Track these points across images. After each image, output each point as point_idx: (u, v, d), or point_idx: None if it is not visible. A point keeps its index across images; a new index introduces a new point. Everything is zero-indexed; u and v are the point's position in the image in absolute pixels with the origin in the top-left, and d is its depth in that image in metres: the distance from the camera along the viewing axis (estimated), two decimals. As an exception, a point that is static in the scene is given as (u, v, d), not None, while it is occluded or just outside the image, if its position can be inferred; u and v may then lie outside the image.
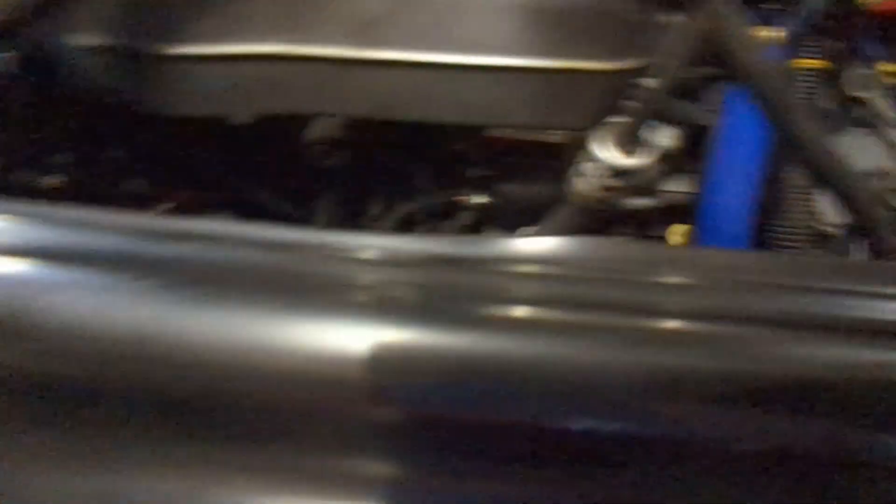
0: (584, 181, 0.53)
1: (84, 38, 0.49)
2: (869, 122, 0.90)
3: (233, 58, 0.51)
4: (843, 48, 0.84)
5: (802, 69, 0.83)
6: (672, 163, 0.93)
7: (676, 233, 0.97)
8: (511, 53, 0.51)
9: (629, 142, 0.49)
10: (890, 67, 0.82)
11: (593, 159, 0.51)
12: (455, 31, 0.50)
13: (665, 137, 0.85)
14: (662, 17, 0.44)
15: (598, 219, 0.59)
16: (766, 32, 0.56)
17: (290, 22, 0.49)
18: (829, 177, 0.54)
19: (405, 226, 1.07)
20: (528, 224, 0.97)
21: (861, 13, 0.79)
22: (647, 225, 1.00)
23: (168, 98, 0.55)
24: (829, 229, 0.89)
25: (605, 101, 0.57)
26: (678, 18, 0.42)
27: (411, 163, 1.01)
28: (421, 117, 0.58)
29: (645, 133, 0.49)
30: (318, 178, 1.07)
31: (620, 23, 0.47)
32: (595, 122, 0.65)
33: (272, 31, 0.49)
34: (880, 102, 0.88)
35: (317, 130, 1.00)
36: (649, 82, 0.45)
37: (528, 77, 0.52)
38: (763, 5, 0.78)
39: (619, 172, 0.51)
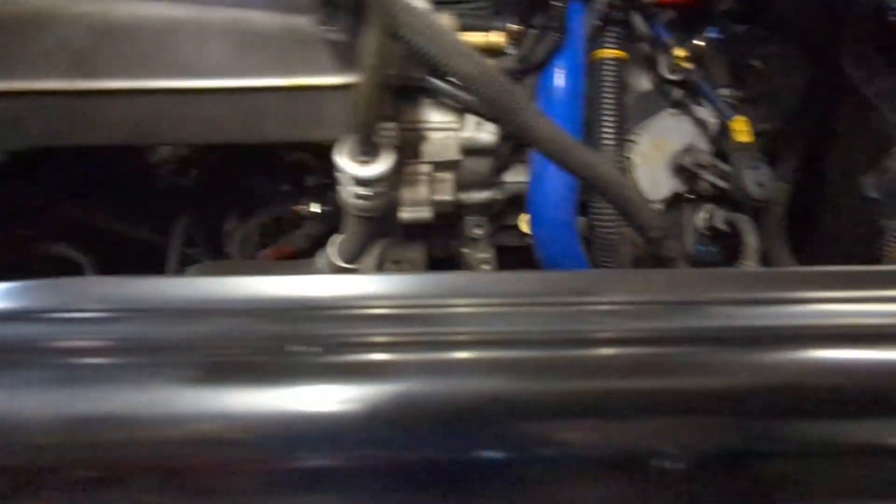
0: (341, 191, 0.54)
1: None
2: (682, 103, 0.95)
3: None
4: (641, 37, 0.88)
5: (604, 59, 0.87)
6: (504, 155, 0.97)
7: (523, 220, 1.01)
8: (226, 75, 0.51)
9: (363, 152, 0.50)
10: (681, 52, 0.87)
11: (339, 170, 0.52)
12: (172, 57, 0.50)
13: (487, 133, 0.88)
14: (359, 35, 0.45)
15: (381, 224, 0.60)
16: (483, 37, 0.58)
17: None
18: (589, 179, 0.56)
19: (259, 237, 1.08)
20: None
21: (649, 4, 0.83)
22: (498, 216, 1.04)
23: None
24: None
25: (338, 114, 0.58)
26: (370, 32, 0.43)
27: (255, 177, 1.01)
28: (162, 140, 0.58)
29: (378, 140, 0.51)
30: (170, 199, 1.06)
31: (323, 42, 0.48)
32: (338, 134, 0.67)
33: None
34: (688, 84, 0.93)
35: (161, 152, 0.99)
36: (362, 92, 0.46)
37: (255, 95, 0.53)
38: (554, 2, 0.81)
39: (361, 182, 0.53)
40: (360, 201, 0.55)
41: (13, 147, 0.59)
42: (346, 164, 0.52)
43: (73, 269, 1.01)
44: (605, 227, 0.87)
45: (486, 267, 1.10)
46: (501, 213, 1.05)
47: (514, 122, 0.52)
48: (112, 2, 0.47)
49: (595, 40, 0.88)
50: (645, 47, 0.91)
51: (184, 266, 1.09)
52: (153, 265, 1.09)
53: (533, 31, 0.83)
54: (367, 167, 0.52)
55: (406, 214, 0.84)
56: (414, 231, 0.91)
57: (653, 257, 0.69)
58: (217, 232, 1.09)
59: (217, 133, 0.59)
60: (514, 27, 0.85)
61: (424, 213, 0.75)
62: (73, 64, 0.49)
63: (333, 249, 0.70)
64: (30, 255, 0.97)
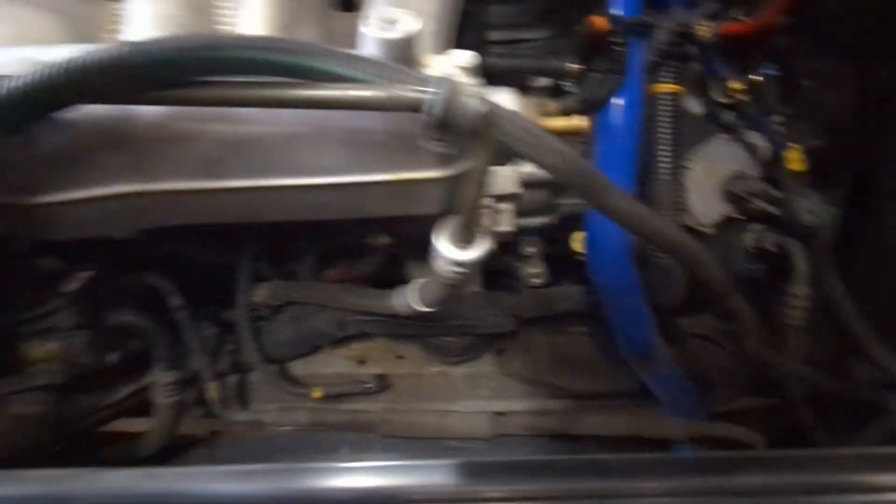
0: (436, 265, 0.60)
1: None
2: (733, 128, 0.97)
3: (95, 199, 0.55)
4: (695, 71, 0.90)
5: (661, 93, 0.90)
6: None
7: (577, 240, 1.06)
8: (338, 174, 0.56)
9: (462, 238, 0.56)
10: (737, 85, 0.89)
11: (437, 251, 0.57)
12: (290, 161, 0.55)
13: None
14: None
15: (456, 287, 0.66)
16: (566, 122, 0.62)
17: (135, 167, 0.54)
18: (664, 245, 0.60)
19: (322, 264, 1.14)
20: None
21: (707, 39, 0.85)
22: (551, 237, 1.09)
23: (48, 231, 0.60)
24: (701, 227, 0.98)
25: (433, 197, 0.63)
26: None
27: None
28: (272, 219, 0.64)
29: (479, 227, 0.55)
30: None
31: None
32: (444, 208, 0.71)
33: (119, 175, 0.54)
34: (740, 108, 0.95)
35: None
36: (469, 185, 0.51)
37: (365, 188, 0.58)
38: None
39: (458, 263, 0.58)
40: (453, 276, 0.61)
41: (145, 227, 0.65)
42: (445, 247, 0.57)
43: (158, 296, 1.10)
44: (661, 258, 0.92)
45: (537, 281, 1.16)
46: (555, 230, 1.09)
47: (599, 202, 0.56)
48: (241, 123, 0.52)
49: (652, 74, 0.90)
50: (699, 75, 0.93)
51: (254, 284, 1.17)
52: (226, 286, 1.17)
53: (595, 75, 0.86)
54: (464, 252, 0.57)
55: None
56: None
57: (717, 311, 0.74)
58: (286, 253, 1.16)
59: (323, 213, 0.65)
60: (574, 67, 0.88)
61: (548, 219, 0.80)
62: (204, 169, 0.55)
63: (415, 294, 0.76)
64: (121, 287, 1.06)
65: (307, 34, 0.59)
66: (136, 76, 0.41)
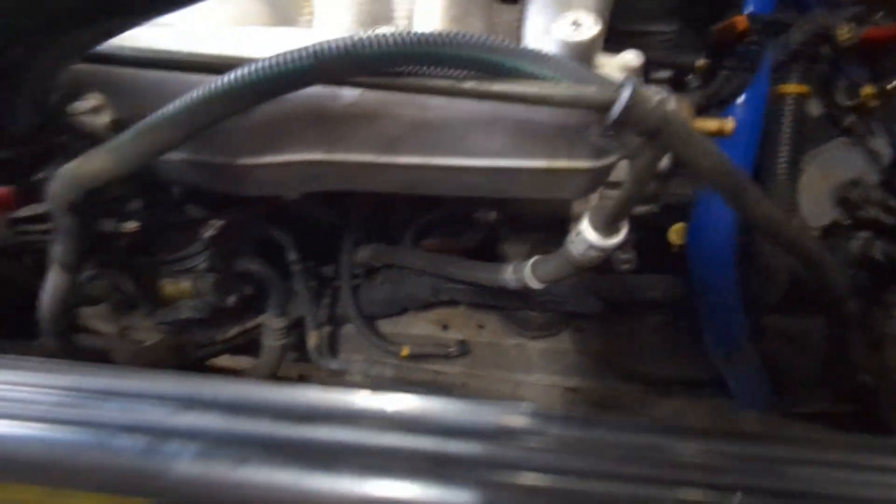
0: (574, 247, 0.65)
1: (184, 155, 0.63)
2: (854, 131, 0.96)
3: (284, 164, 0.63)
4: (824, 73, 0.90)
5: (787, 94, 0.90)
6: (666, 176, 1.03)
7: (675, 231, 1.09)
8: (501, 157, 0.62)
9: (610, 225, 0.60)
10: (870, 90, 0.88)
11: (581, 233, 0.62)
12: (461, 143, 0.61)
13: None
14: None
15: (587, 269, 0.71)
16: (717, 123, 0.64)
17: (326, 139, 0.61)
18: (793, 250, 0.63)
19: (425, 234, 1.21)
20: (529, 243, 1.09)
21: (840, 43, 0.84)
22: (647, 226, 1.11)
23: (239, 187, 0.69)
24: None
25: (580, 185, 0.68)
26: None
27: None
28: (420, 192, 0.70)
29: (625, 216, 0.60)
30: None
31: (583, 133, 0.56)
32: (583, 195, 0.76)
33: (311, 145, 0.62)
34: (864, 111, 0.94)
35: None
36: (628, 189, 0.55)
37: (519, 172, 0.64)
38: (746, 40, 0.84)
39: (596, 248, 0.63)
40: (586, 257, 0.66)
41: (311, 190, 0.73)
42: (590, 233, 0.62)
43: (278, 248, 1.20)
44: (768, 257, 0.93)
45: (627, 267, 1.20)
46: (648, 222, 1.12)
47: (742, 205, 0.59)
48: (426, 108, 0.58)
49: (778, 74, 0.90)
50: (824, 77, 0.92)
51: (357, 247, 1.26)
52: (334, 243, 1.26)
53: (723, 72, 0.87)
54: (607, 238, 0.62)
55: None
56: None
57: (835, 316, 0.76)
58: (390, 220, 1.23)
59: (474, 191, 0.71)
60: (703, 63, 0.89)
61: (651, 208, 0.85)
62: (384, 145, 0.61)
63: (529, 270, 0.82)
64: (242, 233, 1.16)
65: (475, 26, 0.64)
66: (366, 64, 0.47)
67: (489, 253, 1.17)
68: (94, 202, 0.58)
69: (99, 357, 1.06)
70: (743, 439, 0.46)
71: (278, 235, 1.15)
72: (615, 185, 0.96)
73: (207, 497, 0.34)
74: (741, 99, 0.92)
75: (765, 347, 1.14)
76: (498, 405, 0.46)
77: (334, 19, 0.62)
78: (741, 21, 0.79)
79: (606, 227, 0.61)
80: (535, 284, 0.84)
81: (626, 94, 0.49)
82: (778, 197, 0.92)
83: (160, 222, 0.97)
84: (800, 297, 1.04)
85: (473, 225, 1.05)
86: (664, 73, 0.96)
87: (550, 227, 1.03)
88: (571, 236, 0.66)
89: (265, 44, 0.57)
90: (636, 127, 0.50)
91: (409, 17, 0.64)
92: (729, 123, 0.62)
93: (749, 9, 0.84)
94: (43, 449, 0.36)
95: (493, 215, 1.00)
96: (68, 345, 0.81)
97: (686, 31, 0.99)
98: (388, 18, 0.65)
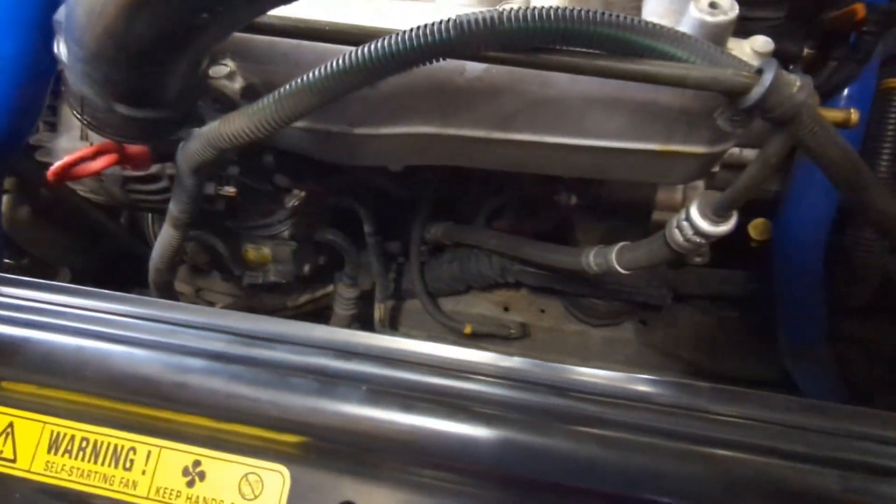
0: (677, 233, 0.65)
1: (304, 123, 0.65)
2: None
3: (398, 136, 0.65)
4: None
5: (894, 89, 0.87)
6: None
7: (755, 226, 1.06)
8: (617, 139, 0.62)
9: (721, 213, 0.60)
10: None
11: (689, 219, 0.62)
12: (579, 122, 0.61)
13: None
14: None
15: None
16: (843, 114, 0.62)
17: (442, 113, 0.62)
18: None
19: (497, 215, 1.22)
20: (602, 230, 1.09)
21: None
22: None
23: (351, 157, 0.71)
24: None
25: (687, 170, 0.67)
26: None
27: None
28: (524, 170, 0.71)
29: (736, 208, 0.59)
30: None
31: (707, 121, 0.55)
32: (687, 181, 0.75)
33: (427, 118, 0.63)
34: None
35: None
36: (750, 177, 0.54)
37: (631, 154, 0.64)
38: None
39: (703, 234, 0.63)
40: (688, 244, 0.66)
41: (416, 164, 0.75)
42: (699, 220, 0.61)
43: (351, 218, 1.23)
44: (863, 257, 0.91)
45: (699, 260, 1.18)
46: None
47: (863, 199, 0.58)
48: (547, 85, 0.58)
49: (889, 68, 0.86)
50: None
51: (429, 223, 1.28)
52: (405, 218, 1.28)
53: (831, 63, 0.84)
54: (716, 226, 0.61)
55: (657, 217, 0.93)
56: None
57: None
58: (462, 198, 1.25)
59: (577, 171, 0.71)
60: (809, 53, 0.86)
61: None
62: (498, 121, 0.62)
63: (615, 256, 0.82)
64: (321, 205, 1.20)
65: (594, 4, 0.64)
66: (505, 39, 0.48)
67: (557, 237, 1.17)
68: (220, 164, 0.61)
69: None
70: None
71: (357, 208, 1.19)
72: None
73: (371, 437, 0.37)
74: (846, 92, 0.88)
75: (839, 351, 1.12)
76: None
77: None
78: (861, 8, 0.76)
79: (717, 214, 0.61)
80: (620, 270, 0.84)
81: (768, 79, 0.48)
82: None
83: (251, 189, 1.01)
84: (886, 302, 1.01)
85: (548, 208, 1.05)
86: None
87: (628, 215, 1.02)
88: (675, 222, 0.66)
89: (399, 16, 0.58)
90: (772, 113, 0.50)
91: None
92: (854, 114, 0.61)
93: (867, -3, 0.81)
94: (225, 383, 0.39)
95: (573, 199, 1.00)
96: (171, 298, 0.86)
97: (792, 19, 0.95)
98: (506, -4, 0.65)
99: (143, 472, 0.40)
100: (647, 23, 0.50)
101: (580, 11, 0.48)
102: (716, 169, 0.95)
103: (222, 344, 0.42)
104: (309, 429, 0.38)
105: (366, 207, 1.21)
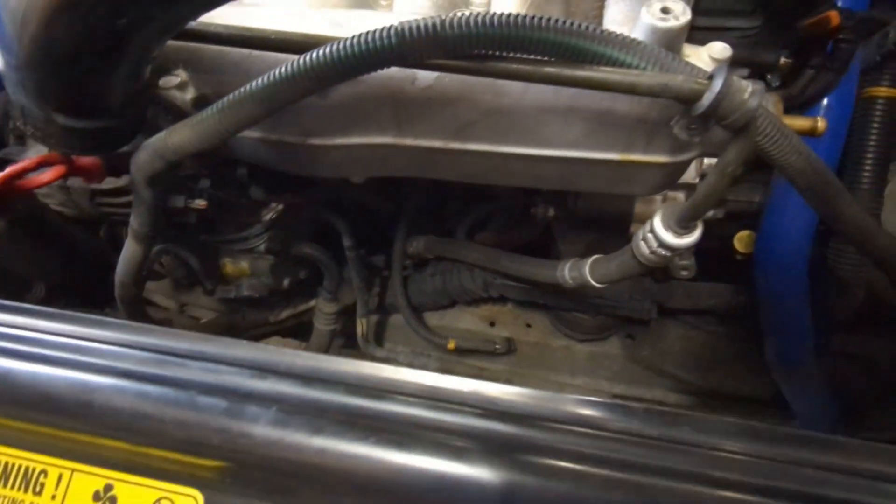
0: (643, 245, 0.63)
1: (258, 133, 0.64)
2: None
3: (354, 146, 0.64)
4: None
5: (877, 97, 0.85)
6: (738, 178, 0.99)
7: (741, 238, 1.04)
8: (575, 148, 0.60)
9: (684, 225, 0.58)
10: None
11: (653, 231, 0.60)
12: (535, 132, 0.60)
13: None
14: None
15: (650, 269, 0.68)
16: (808, 122, 0.61)
17: (397, 123, 0.61)
18: (883, 262, 0.59)
19: (478, 228, 1.20)
20: (584, 242, 1.07)
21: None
22: (710, 233, 1.07)
23: (308, 168, 0.70)
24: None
25: (649, 181, 0.65)
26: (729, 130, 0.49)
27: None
28: (485, 182, 0.70)
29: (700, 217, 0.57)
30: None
31: (663, 126, 0.53)
32: (653, 192, 0.73)
33: (382, 128, 0.62)
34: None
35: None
36: (711, 186, 0.52)
37: (592, 164, 0.62)
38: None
39: (668, 247, 0.60)
40: (654, 256, 0.64)
41: (377, 175, 0.74)
42: (663, 232, 0.59)
43: (332, 232, 1.22)
44: (845, 270, 0.88)
45: (686, 274, 1.15)
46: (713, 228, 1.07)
47: (833, 211, 0.56)
48: (502, 94, 0.57)
49: (869, 76, 0.85)
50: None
51: (411, 236, 1.26)
52: (387, 232, 1.27)
53: (808, 71, 0.82)
54: (680, 238, 0.59)
55: (634, 229, 0.91)
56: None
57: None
58: (444, 212, 1.23)
59: (541, 182, 0.70)
60: (787, 61, 0.85)
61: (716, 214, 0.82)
62: (455, 131, 0.61)
63: (588, 269, 0.80)
64: (299, 218, 1.18)
65: (554, 12, 0.62)
66: (449, 45, 0.47)
67: (540, 251, 1.15)
68: (173, 176, 0.60)
69: (161, 329, 1.10)
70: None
71: (335, 221, 1.17)
72: (685, 186, 0.93)
73: (285, 461, 0.35)
74: (826, 101, 0.87)
75: (830, 367, 1.08)
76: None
77: (414, 3, 0.62)
78: (835, 16, 0.75)
79: (680, 226, 0.59)
80: (593, 284, 0.82)
81: (717, 85, 0.46)
82: (861, 206, 0.87)
83: (225, 202, 1.00)
84: (874, 315, 0.98)
85: (530, 221, 1.04)
86: (742, 72, 0.91)
87: (607, 227, 1.00)
88: (640, 234, 0.64)
89: (347, 24, 0.57)
90: (725, 120, 0.48)
91: (488, 3, 0.64)
92: (821, 122, 0.59)
93: (843, 4, 0.80)
94: (131, 402, 0.37)
95: (551, 211, 0.98)
96: (138, 314, 0.84)
97: (767, 28, 0.94)
98: (466, 4, 0.64)
99: (53, 497, 0.38)
100: (595, 28, 0.49)
101: (525, 18, 0.47)
102: (696, 181, 0.94)
103: (133, 361, 0.40)
104: (216, 451, 0.36)
105: (345, 221, 1.20)
